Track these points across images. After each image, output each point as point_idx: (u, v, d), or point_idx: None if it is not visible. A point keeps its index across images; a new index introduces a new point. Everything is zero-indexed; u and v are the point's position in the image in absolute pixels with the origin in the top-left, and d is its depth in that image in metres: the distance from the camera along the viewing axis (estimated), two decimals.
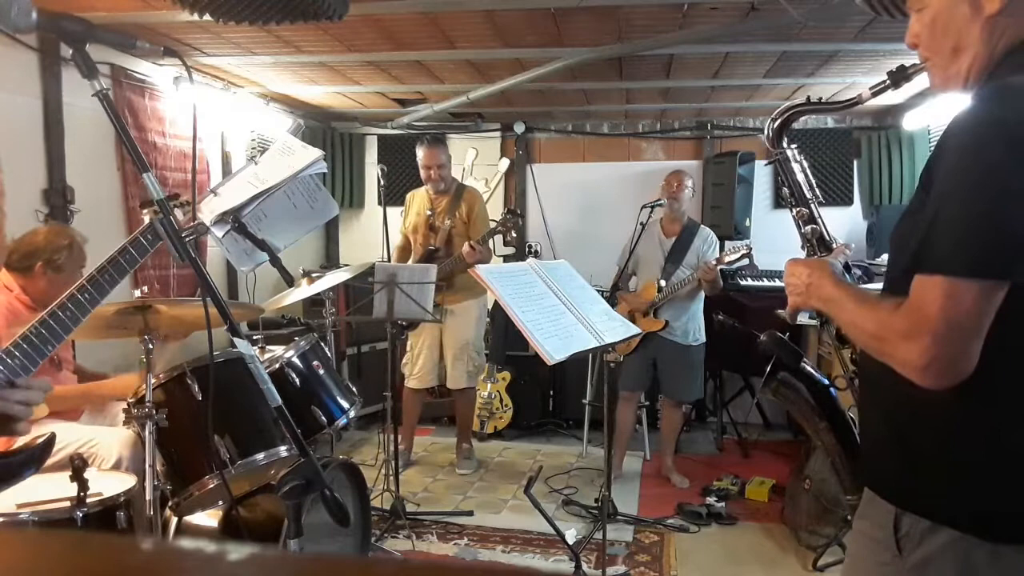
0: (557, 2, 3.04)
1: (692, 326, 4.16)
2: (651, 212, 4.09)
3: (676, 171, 4.28)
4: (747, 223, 5.16)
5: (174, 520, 2.49)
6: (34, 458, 1.44)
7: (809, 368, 1.57)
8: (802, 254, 1.56)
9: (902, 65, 1.38)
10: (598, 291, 3.09)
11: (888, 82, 1.41)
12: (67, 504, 1.97)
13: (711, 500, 3.80)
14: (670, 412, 4.32)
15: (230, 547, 0.39)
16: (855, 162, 5.49)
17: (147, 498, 2.13)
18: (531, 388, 5.26)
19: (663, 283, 4.10)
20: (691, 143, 5.83)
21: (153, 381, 2.24)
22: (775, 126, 1.58)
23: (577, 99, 5.08)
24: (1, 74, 3.12)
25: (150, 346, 2.23)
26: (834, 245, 1.47)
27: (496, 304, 2.58)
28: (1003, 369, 1.08)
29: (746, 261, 3.97)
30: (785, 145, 1.58)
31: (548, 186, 5.93)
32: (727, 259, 3.93)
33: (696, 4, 3.02)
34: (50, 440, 1.47)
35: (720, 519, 3.69)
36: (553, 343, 2.37)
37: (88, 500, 1.98)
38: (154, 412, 2.18)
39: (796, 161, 1.57)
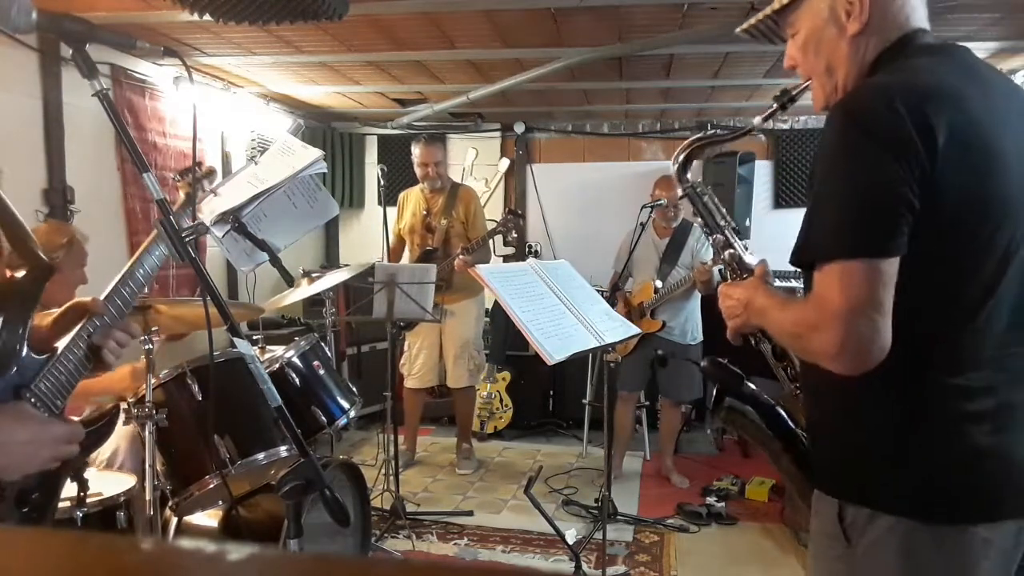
0: (557, 2, 3.04)
1: (690, 326, 4.16)
2: (651, 212, 4.09)
3: (668, 177, 4.18)
4: (747, 223, 5.16)
5: (174, 520, 2.49)
6: (105, 430, 1.54)
7: (752, 388, 1.55)
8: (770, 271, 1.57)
9: (785, 88, 1.43)
10: (598, 291, 3.09)
11: (776, 106, 1.45)
12: (67, 504, 1.96)
13: (711, 500, 3.80)
14: (669, 412, 4.32)
15: (230, 547, 0.39)
16: None
17: (147, 498, 2.13)
18: (531, 388, 5.26)
19: (659, 284, 4.09)
20: None
21: (153, 381, 2.24)
22: (681, 159, 1.61)
23: (577, 99, 5.09)
24: (1, 74, 3.12)
25: (150, 346, 2.23)
26: (754, 267, 1.50)
27: (496, 304, 2.59)
28: (912, 350, 1.12)
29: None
30: (690, 178, 1.60)
31: (548, 186, 5.94)
32: (723, 259, 3.92)
33: (696, 4, 3.02)
34: (116, 410, 1.55)
35: (720, 519, 3.69)
36: (553, 343, 2.37)
37: (88, 500, 1.98)
38: (154, 412, 2.18)
39: (705, 192, 1.61)
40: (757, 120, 1.48)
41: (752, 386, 1.55)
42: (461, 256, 4.12)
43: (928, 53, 1.20)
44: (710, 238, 1.59)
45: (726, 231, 1.56)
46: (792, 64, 1.35)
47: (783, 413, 1.51)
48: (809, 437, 1.41)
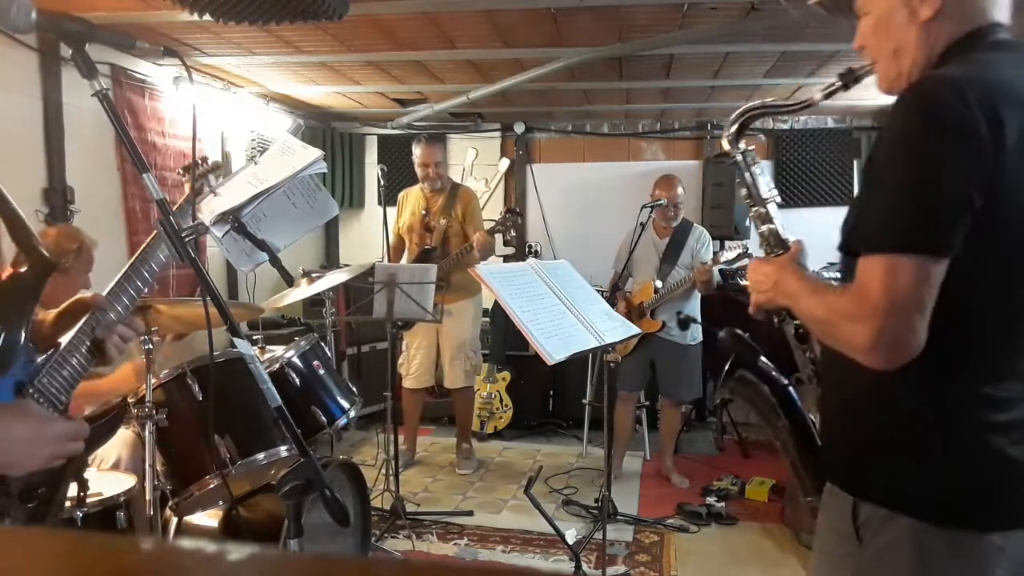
0: (557, 2, 3.04)
1: (689, 325, 4.16)
2: (651, 212, 4.09)
3: (669, 177, 4.20)
4: (747, 223, 5.16)
5: (174, 520, 2.49)
6: (111, 426, 1.53)
7: (768, 365, 1.56)
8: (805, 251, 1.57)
9: (851, 68, 1.41)
10: (598, 291, 3.09)
11: (839, 84, 1.43)
12: (67, 504, 1.96)
13: (711, 500, 3.80)
14: (669, 412, 4.32)
15: (230, 547, 0.39)
16: (855, 162, 5.50)
17: (147, 498, 2.13)
18: (531, 388, 5.25)
19: (659, 284, 4.10)
20: (691, 143, 5.83)
21: (153, 381, 2.24)
22: (734, 128, 1.59)
23: (577, 99, 5.09)
24: (1, 74, 3.12)
25: (150, 346, 2.22)
26: (790, 244, 1.49)
27: (496, 304, 2.57)
28: (945, 351, 1.10)
29: (745, 261, 3.97)
30: (742, 147, 1.59)
31: (548, 186, 5.94)
32: (723, 259, 3.93)
33: (696, 4, 3.02)
34: (122, 407, 1.53)
35: (720, 519, 3.69)
36: (553, 343, 2.37)
37: (88, 500, 1.98)
38: (154, 412, 2.18)
39: (755, 163, 1.59)
40: (817, 95, 1.46)
41: (767, 363, 1.55)
42: (482, 232, 4.12)
43: (1001, 49, 1.17)
44: (752, 210, 1.57)
45: (768, 205, 1.54)
46: (861, 45, 1.31)
47: (795, 396, 1.51)
48: (824, 427, 1.38)
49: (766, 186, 1.56)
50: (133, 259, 1.49)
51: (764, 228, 1.52)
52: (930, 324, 1.07)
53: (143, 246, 1.51)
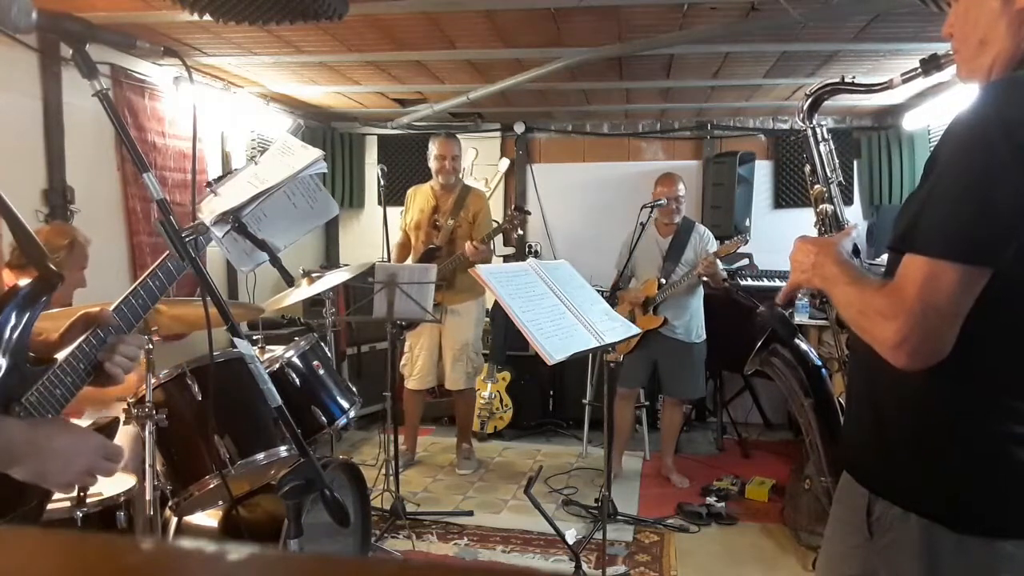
0: (557, 2, 3.04)
1: (694, 324, 4.16)
2: (651, 212, 4.09)
3: (670, 175, 4.21)
4: (747, 223, 5.16)
5: (174, 520, 2.49)
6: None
7: (804, 346, 1.58)
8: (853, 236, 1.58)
9: (935, 54, 1.38)
10: (598, 291, 3.09)
11: (919, 70, 1.41)
12: (67, 504, 1.96)
13: (711, 500, 3.80)
14: (671, 411, 4.32)
15: (230, 547, 0.39)
16: (855, 162, 5.49)
17: (147, 498, 2.13)
18: (531, 388, 5.26)
19: (663, 281, 4.10)
20: (691, 143, 5.83)
21: (153, 381, 2.24)
22: (808, 102, 1.60)
23: (577, 99, 5.08)
24: (1, 74, 3.12)
25: (150, 346, 2.22)
26: (845, 225, 1.50)
27: (496, 304, 2.57)
28: (978, 360, 1.10)
29: (745, 262, 3.98)
30: (815, 121, 1.59)
31: (548, 186, 5.93)
32: (726, 252, 3.92)
33: (696, 4, 3.02)
34: (115, 421, 1.50)
35: (720, 519, 3.69)
36: (553, 343, 2.37)
37: (88, 500, 1.98)
38: (154, 412, 2.18)
39: (824, 140, 1.60)
40: (896, 78, 1.46)
41: (804, 345, 1.57)
42: (472, 243, 4.15)
43: None
44: (812, 188, 1.58)
45: (831, 184, 1.54)
46: (949, 32, 1.25)
47: (826, 378, 1.53)
48: (850, 417, 1.38)
49: (831, 165, 1.57)
50: (144, 276, 1.45)
51: (822, 207, 1.53)
52: (966, 333, 1.06)
53: (154, 265, 1.47)
